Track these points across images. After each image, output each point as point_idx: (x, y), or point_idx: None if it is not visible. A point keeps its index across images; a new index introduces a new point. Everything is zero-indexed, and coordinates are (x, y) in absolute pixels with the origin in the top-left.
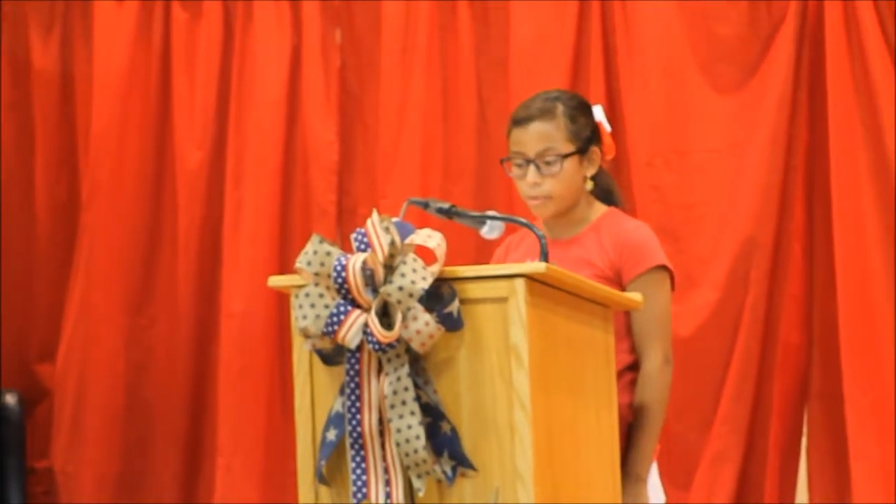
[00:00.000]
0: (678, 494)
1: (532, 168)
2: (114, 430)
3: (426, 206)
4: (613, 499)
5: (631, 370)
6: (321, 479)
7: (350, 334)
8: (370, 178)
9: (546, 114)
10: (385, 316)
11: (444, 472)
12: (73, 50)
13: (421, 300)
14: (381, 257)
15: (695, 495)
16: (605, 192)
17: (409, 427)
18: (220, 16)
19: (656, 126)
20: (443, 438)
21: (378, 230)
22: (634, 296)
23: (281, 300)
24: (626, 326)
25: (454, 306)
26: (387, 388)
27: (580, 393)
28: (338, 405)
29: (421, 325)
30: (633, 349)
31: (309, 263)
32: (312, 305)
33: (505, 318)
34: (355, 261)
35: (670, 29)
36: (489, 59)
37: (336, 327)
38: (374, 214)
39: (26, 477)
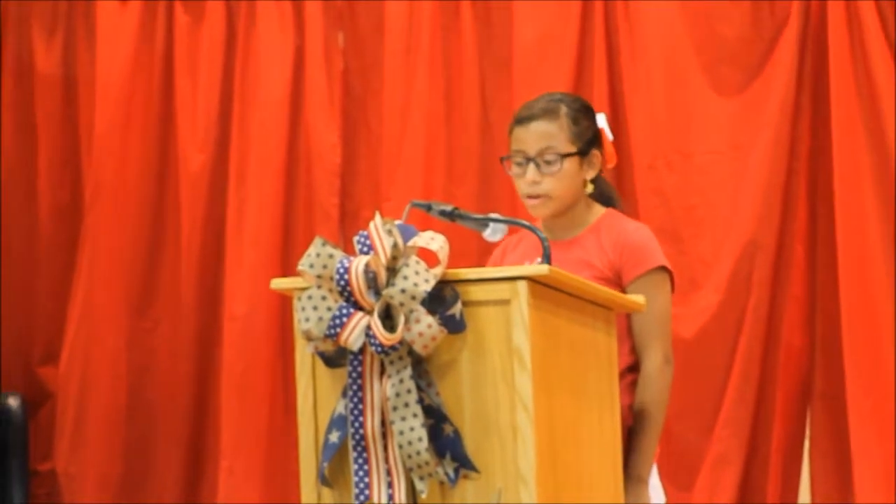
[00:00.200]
0: (681, 496)
1: (532, 166)
2: (116, 433)
3: (429, 208)
4: (616, 500)
5: (632, 371)
6: (324, 480)
7: (353, 337)
8: (373, 180)
9: (549, 113)
10: (388, 318)
11: (447, 474)
12: (76, 52)
13: (423, 302)
14: (383, 260)
15: (697, 497)
16: (604, 199)
17: (412, 429)
18: (222, 17)
19: (659, 128)
20: (445, 440)
21: (381, 233)
22: (637, 298)
23: (283, 302)
24: (626, 327)
25: (457, 308)
26: (389, 390)
27: (582, 395)
28: (340, 407)
29: (423, 327)
30: (634, 350)
31: (311, 266)
32: (315, 308)
33: (507, 321)
34: (358, 263)
35: (673, 30)
36: (492, 61)
37: (339, 330)
38: (377, 217)
39: (29, 479)
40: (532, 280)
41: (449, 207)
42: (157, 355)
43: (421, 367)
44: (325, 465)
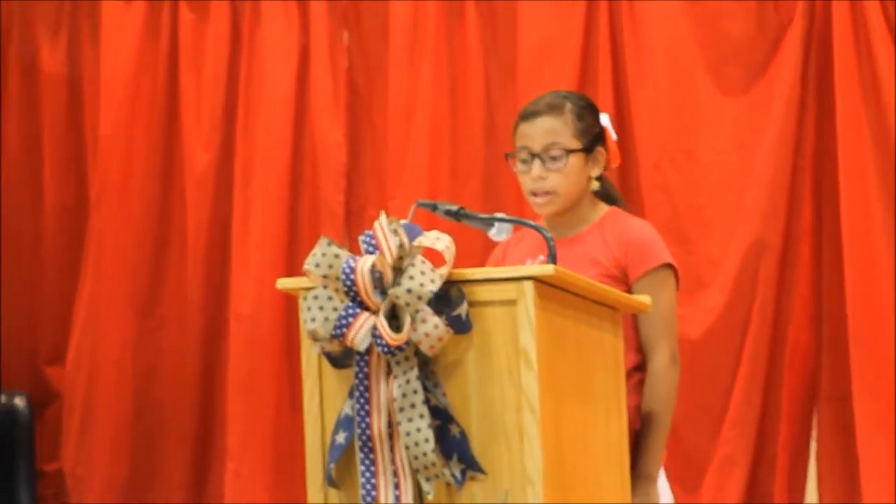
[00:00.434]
0: (687, 496)
1: (537, 162)
2: (123, 433)
3: (434, 208)
4: (622, 501)
5: (638, 371)
6: (330, 481)
7: (359, 337)
8: (378, 179)
9: (554, 109)
10: (394, 318)
11: (454, 475)
12: (81, 51)
13: (430, 303)
14: (389, 259)
15: (704, 497)
16: (608, 199)
17: (419, 430)
18: (227, 17)
19: (664, 127)
20: (452, 441)
21: (386, 232)
22: (643, 298)
23: (289, 302)
24: (632, 326)
25: (463, 309)
26: (396, 390)
27: (589, 395)
28: (347, 408)
29: (430, 327)
30: (640, 349)
31: (317, 265)
32: (321, 308)
33: (514, 321)
34: (364, 263)
35: (678, 30)
36: (497, 60)
37: (345, 330)
38: (383, 216)
39: (36, 479)
40: (538, 280)
41: (454, 207)
42: (162, 355)
43: (427, 367)
44: (332, 465)
